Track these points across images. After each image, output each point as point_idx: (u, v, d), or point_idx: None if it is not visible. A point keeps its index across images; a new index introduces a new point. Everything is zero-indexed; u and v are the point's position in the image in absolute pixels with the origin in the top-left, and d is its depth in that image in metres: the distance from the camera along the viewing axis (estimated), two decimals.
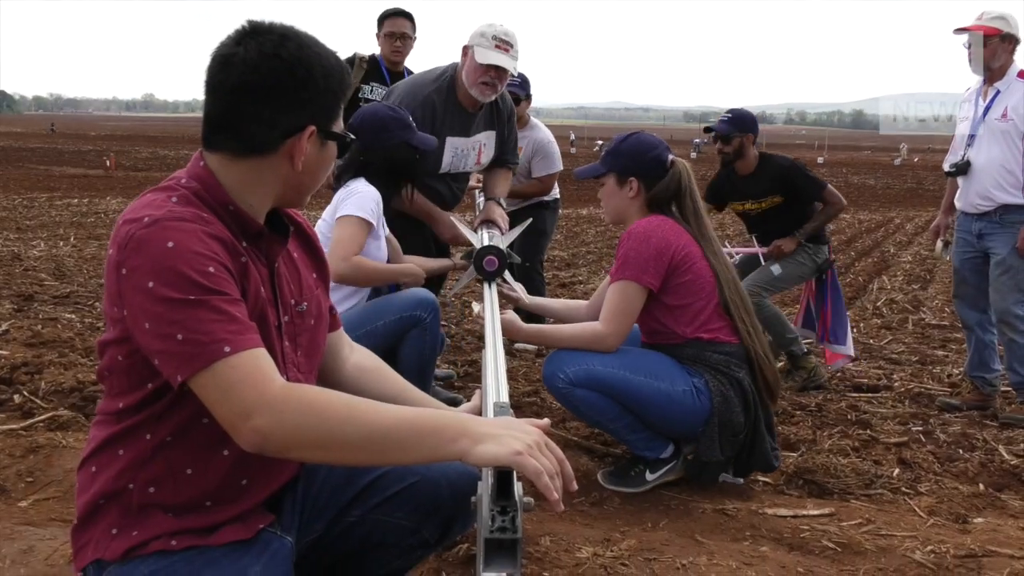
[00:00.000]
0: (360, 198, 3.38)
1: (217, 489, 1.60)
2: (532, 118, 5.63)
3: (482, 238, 3.88)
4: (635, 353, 3.17)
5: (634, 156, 3.23)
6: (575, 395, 3.05)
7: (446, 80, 4.03)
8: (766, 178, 4.88)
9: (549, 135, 5.67)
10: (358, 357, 1.98)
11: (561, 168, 5.73)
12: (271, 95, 1.54)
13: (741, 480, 3.30)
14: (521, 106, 5.20)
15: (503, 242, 3.81)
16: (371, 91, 5.07)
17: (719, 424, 3.05)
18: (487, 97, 4.02)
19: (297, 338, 1.71)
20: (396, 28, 5.13)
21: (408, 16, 5.17)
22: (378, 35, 5.20)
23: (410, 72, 5.10)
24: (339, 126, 1.65)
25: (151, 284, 1.42)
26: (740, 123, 4.88)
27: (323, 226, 3.48)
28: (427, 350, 3.47)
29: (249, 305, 1.54)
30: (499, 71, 3.95)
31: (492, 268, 3.45)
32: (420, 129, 3.67)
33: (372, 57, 5.20)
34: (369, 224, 3.36)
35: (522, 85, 5.27)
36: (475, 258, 3.50)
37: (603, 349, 3.10)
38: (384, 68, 5.17)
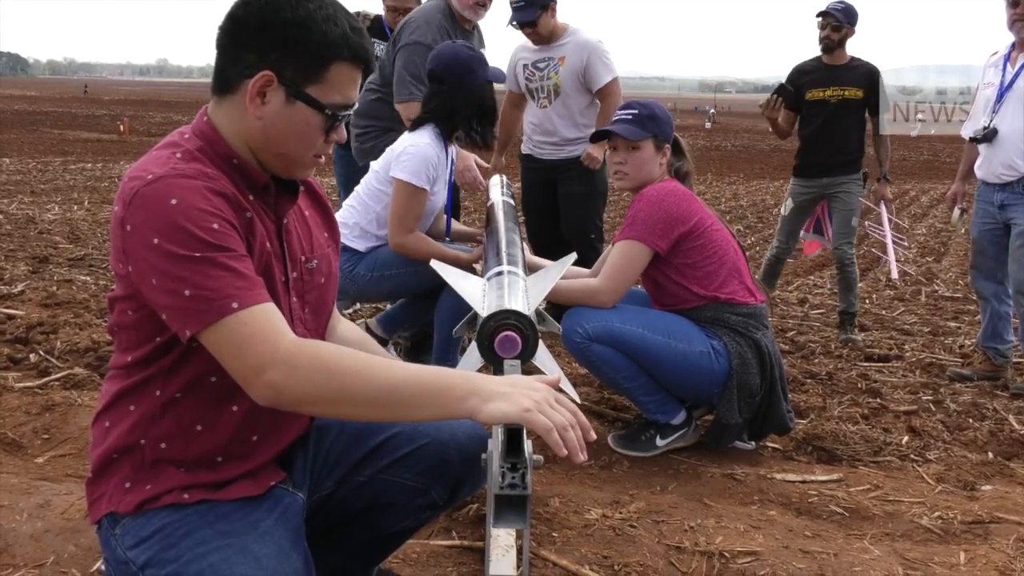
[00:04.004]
0: (416, 161, 3.42)
1: (227, 445, 1.61)
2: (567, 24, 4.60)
3: (493, 290, 2.29)
4: (653, 314, 3.18)
5: (670, 124, 3.25)
6: (592, 350, 3.06)
7: (444, 5, 4.14)
8: (860, 70, 5.20)
9: (594, 36, 4.60)
10: (343, 328, 1.97)
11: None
12: (236, 29, 1.55)
13: (752, 445, 3.32)
14: (544, 19, 4.43)
15: (528, 297, 2.23)
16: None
17: (737, 386, 3.07)
18: (479, 16, 4.16)
19: (305, 295, 1.71)
20: None
21: None
22: None
23: None
24: (321, 92, 1.55)
25: (156, 241, 1.42)
26: (852, 15, 5.15)
27: (377, 172, 3.58)
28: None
29: (255, 261, 1.54)
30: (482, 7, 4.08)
31: (511, 352, 1.96)
32: None
33: (377, 17, 5.16)
34: (424, 191, 3.44)
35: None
36: (479, 334, 2.00)
37: (597, 305, 3.10)
38: (387, 27, 5.07)
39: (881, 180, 5.45)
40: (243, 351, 1.42)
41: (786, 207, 5.48)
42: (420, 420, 1.66)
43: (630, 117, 3.21)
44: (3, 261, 6.57)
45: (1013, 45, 4.40)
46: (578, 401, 2.02)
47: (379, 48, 4.90)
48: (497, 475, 1.40)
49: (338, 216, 3.56)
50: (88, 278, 6.02)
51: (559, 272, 2.61)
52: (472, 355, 2.14)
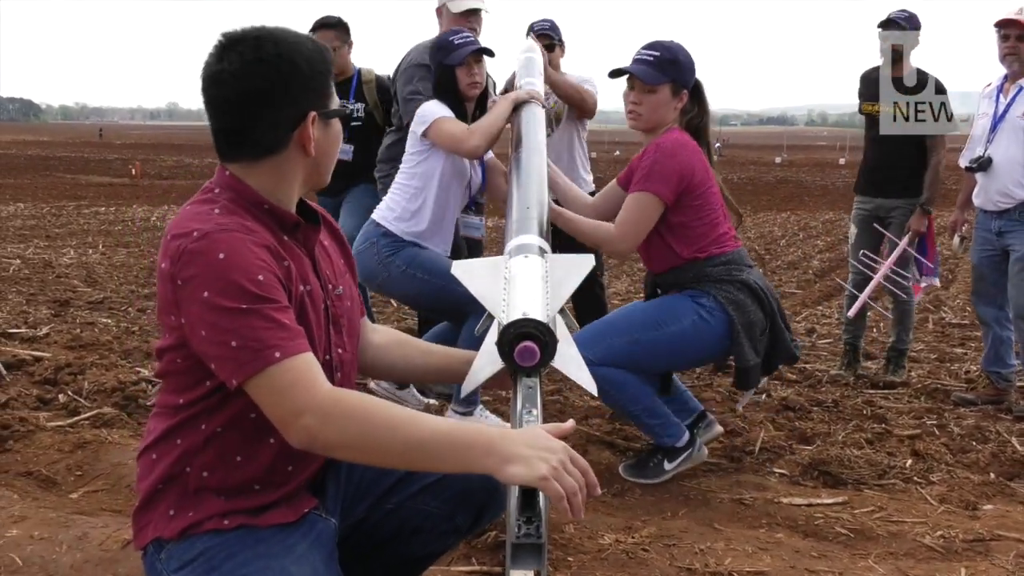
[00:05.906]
0: (429, 105, 3.63)
1: (264, 474, 1.73)
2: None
3: (513, 283, 2.09)
4: (632, 310, 3.31)
5: (692, 70, 3.22)
6: (599, 374, 3.12)
7: None
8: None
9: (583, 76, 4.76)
10: (379, 338, 2.06)
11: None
12: (267, 97, 1.65)
13: (763, 396, 3.35)
14: (555, 53, 4.63)
15: (545, 305, 2.01)
16: None
17: (743, 329, 3.12)
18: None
19: (339, 320, 1.82)
20: (323, 42, 4.94)
21: (331, 26, 4.85)
22: None
23: (359, 71, 4.99)
24: (335, 102, 1.76)
25: (206, 295, 1.54)
26: (916, 23, 4.92)
27: (406, 156, 3.72)
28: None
29: (296, 306, 1.65)
30: (475, 15, 4.17)
31: (530, 362, 1.85)
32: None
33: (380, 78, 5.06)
34: (452, 117, 3.58)
35: (553, 28, 4.66)
36: (500, 340, 1.89)
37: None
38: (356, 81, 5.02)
39: (917, 210, 4.88)
40: (283, 398, 1.55)
41: (852, 233, 5.22)
42: (441, 472, 1.79)
43: (651, 59, 3.15)
44: (25, 305, 6.73)
45: (1005, 77, 4.53)
46: (595, 393, 1.96)
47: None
48: (513, 526, 1.49)
49: (380, 204, 3.79)
50: (109, 320, 6.17)
51: (581, 275, 2.32)
52: (488, 359, 1.97)
